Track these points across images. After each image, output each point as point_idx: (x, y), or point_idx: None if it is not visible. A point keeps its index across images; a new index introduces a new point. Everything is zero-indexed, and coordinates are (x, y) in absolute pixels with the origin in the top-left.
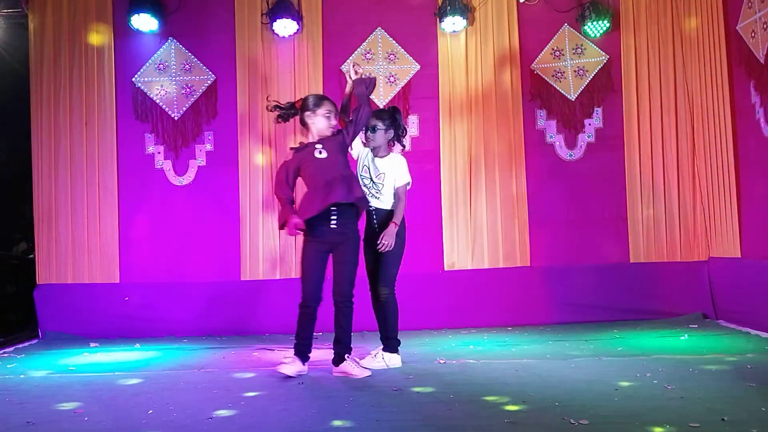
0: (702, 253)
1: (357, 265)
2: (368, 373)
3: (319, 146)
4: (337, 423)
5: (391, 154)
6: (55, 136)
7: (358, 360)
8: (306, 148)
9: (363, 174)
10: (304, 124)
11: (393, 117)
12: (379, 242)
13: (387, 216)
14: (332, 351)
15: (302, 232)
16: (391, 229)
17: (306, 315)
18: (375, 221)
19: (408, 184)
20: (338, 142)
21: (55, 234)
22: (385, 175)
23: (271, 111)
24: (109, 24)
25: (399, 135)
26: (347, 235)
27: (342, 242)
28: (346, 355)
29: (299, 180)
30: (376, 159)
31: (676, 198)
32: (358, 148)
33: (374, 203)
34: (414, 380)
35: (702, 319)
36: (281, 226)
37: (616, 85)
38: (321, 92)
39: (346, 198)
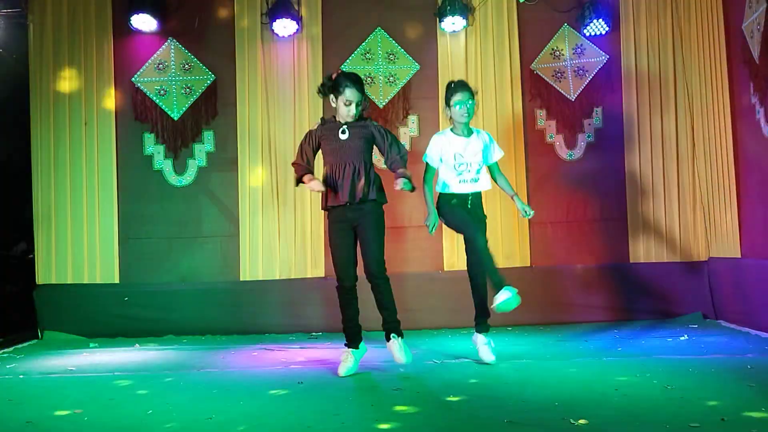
0: (702, 253)
1: (382, 239)
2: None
3: (344, 127)
4: (336, 423)
5: (475, 129)
6: (54, 136)
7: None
8: (332, 124)
9: (459, 162)
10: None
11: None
12: (526, 212)
13: (480, 199)
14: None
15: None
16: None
17: (344, 296)
18: (469, 205)
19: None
20: (365, 132)
21: (55, 234)
22: (482, 153)
23: (318, 91)
24: (109, 24)
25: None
26: (363, 211)
27: (360, 218)
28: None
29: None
30: (468, 138)
31: (676, 198)
32: (436, 152)
33: (473, 188)
34: (414, 380)
35: (702, 319)
36: (298, 181)
37: (616, 85)
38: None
39: (352, 199)
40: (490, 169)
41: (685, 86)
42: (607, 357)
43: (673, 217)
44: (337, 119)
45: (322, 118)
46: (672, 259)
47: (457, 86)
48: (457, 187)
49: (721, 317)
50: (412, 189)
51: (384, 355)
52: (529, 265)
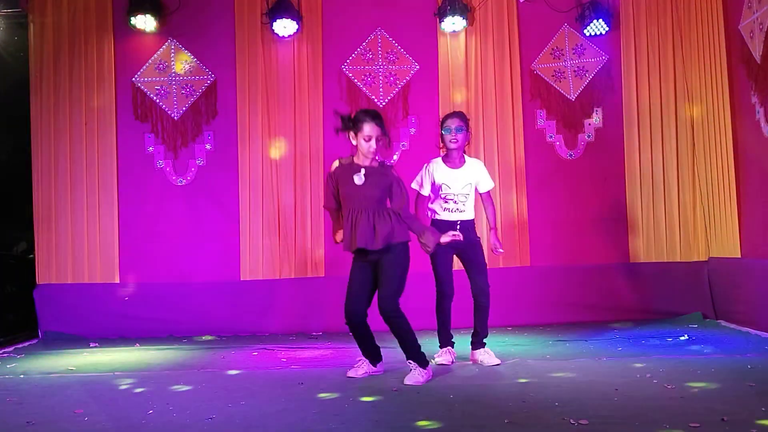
0: (702, 253)
1: (404, 274)
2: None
3: (362, 171)
4: (336, 423)
5: (468, 159)
6: (55, 136)
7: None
8: (350, 167)
9: (446, 193)
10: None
11: (467, 118)
12: (495, 249)
13: (471, 225)
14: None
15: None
16: (496, 234)
17: (353, 332)
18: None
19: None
20: (385, 180)
21: (55, 234)
22: (471, 185)
23: (337, 128)
24: (109, 24)
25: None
26: (383, 252)
27: (381, 257)
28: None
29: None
30: (457, 171)
31: (676, 198)
32: (424, 180)
33: (458, 217)
34: None
35: (702, 319)
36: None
37: (616, 85)
38: (321, 92)
39: (370, 245)
40: (481, 196)
41: (685, 86)
42: (607, 357)
43: (673, 217)
44: (356, 158)
45: (340, 159)
46: (672, 259)
47: (448, 114)
48: (443, 215)
49: (721, 317)
50: None
51: (386, 358)
52: (529, 265)
